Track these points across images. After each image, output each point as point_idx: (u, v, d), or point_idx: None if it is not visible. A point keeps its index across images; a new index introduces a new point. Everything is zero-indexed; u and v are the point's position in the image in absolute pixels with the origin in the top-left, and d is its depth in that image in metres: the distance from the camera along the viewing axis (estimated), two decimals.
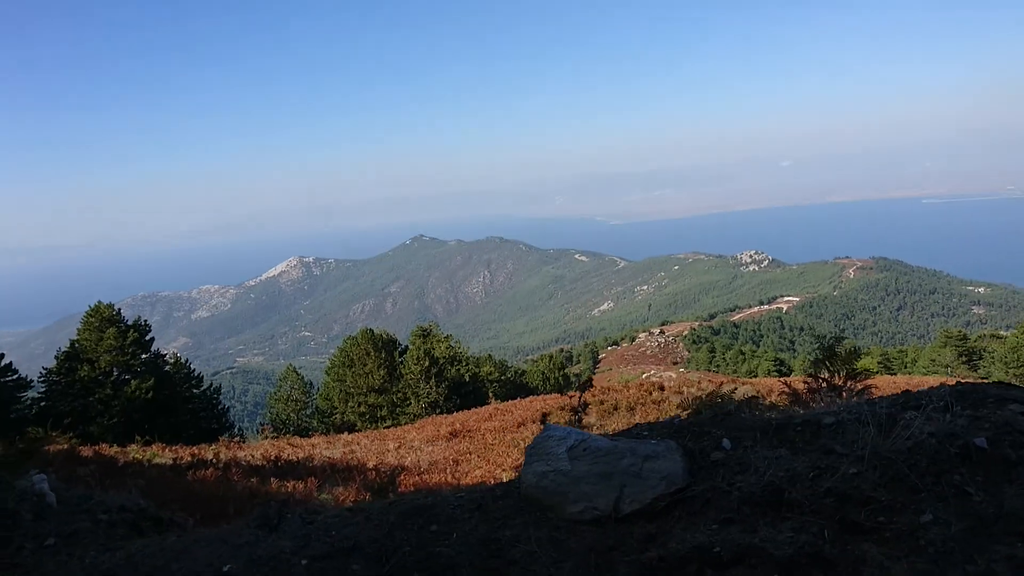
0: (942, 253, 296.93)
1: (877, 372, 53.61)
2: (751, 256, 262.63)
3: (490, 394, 45.92)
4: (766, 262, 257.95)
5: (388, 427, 32.57)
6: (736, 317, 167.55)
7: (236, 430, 30.41)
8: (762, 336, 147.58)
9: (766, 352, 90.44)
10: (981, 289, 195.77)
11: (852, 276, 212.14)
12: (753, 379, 42.03)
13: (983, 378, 48.46)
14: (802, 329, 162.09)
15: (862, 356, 70.22)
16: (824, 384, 6.07)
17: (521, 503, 3.01)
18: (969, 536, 2.30)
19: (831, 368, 5.95)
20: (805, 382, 6.07)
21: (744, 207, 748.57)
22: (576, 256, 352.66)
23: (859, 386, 6.00)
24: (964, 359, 59.92)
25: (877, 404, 2.98)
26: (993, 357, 57.06)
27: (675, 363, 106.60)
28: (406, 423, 32.01)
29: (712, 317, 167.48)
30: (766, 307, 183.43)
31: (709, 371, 79.72)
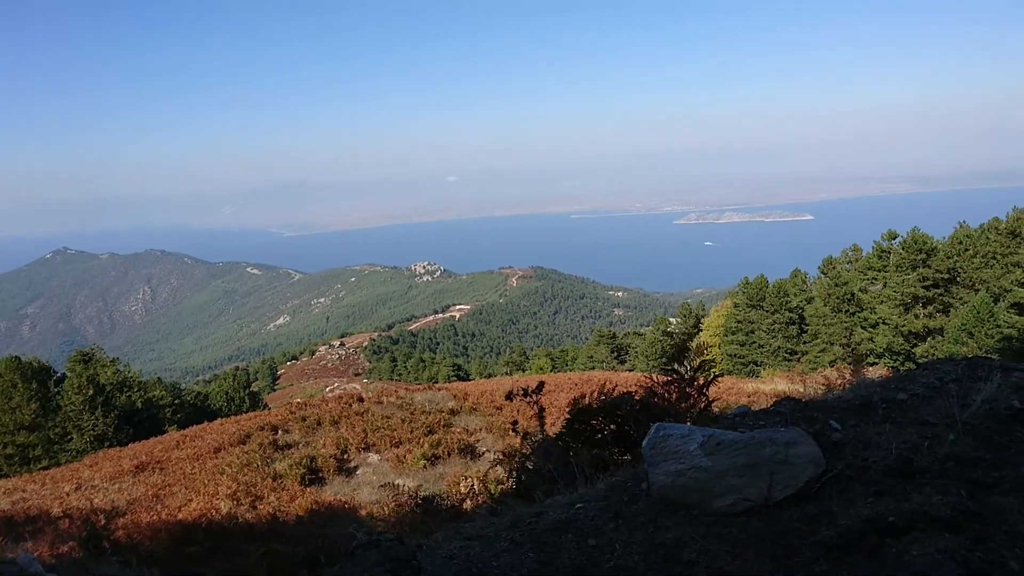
0: (589, 262, 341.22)
1: (551, 370, 60.26)
2: (425, 267, 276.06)
3: (166, 421, 42.03)
4: (439, 272, 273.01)
5: (46, 468, 28.37)
6: (414, 326, 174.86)
7: None
8: (439, 343, 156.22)
9: (444, 358, 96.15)
10: (620, 293, 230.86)
11: (515, 284, 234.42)
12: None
13: (630, 369, 57.21)
14: (474, 335, 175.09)
15: (531, 358, 78.21)
16: (676, 377, 6.81)
17: (660, 505, 3.03)
18: None
19: (684, 363, 6.71)
20: (653, 377, 6.77)
21: (419, 219, 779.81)
22: (248, 269, 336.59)
23: (706, 379, 6.85)
24: (615, 354, 69.76)
25: (916, 380, 3.60)
26: (636, 351, 67.45)
27: (357, 375, 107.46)
28: (68, 462, 28.26)
29: (391, 327, 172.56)
30: (441, 315, 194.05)
31: (392, 380, 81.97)
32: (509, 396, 6.56)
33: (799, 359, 46.63)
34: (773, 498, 2.92)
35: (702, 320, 63.58)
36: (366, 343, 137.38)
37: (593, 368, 58.96)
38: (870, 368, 44.13)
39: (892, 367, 43.09)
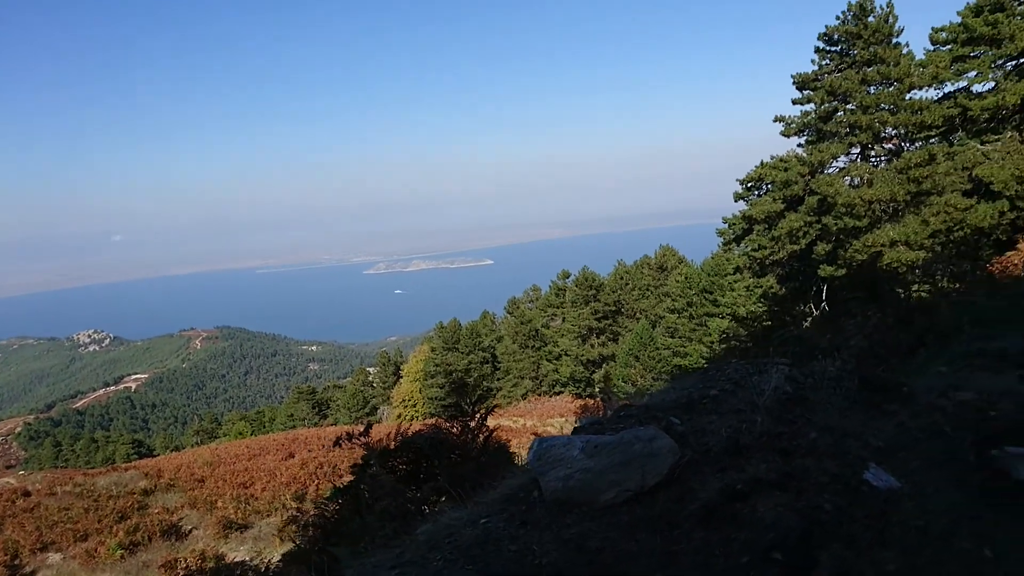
0: (279, 317, 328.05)
1: (252, 434, 56.93)
2: (91, 335, 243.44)
3: None
4: (108, 340, 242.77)
5: None
6: (80, 403, 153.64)
7: None
8: (112, 419, 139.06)
9: (122, 435, 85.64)
10: (314, 347, 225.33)
11: (199, 347, 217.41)
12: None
13: (334, 423, 56.74)
14: (155, 406, 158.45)
15: (224, 423, 73.19)
16: (459, 414, 7.29)
17: (555, 507, 3.39)
18: (828, 438, 3.91)
19: (465, 398, 7.21)
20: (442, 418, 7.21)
21: (81, 283, 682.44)
22: None
23: (485, 411, 7.41)
24: (316, 410, 68.34)
25: (716, 380, 4.43)
26: (338, 404, 66.84)
27: (10, 467, 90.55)
28: None
29: (51, 407, 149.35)
30: (113, 388, 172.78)
31: (57, 467, 70.47)
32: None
33: (495, 395, 49.80)
34: (647, 485, 3.47)
35: (401, 367, 64.91)
36: (19, 428, 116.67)
37: (295, 426, 56.82)
38: (556, 396, 48.82)
39: (575, 394, 48.27)
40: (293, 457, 25.18)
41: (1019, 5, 23.13)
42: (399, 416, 52.23)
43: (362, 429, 6.06)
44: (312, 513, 6.09)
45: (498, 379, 52.34)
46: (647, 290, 51.59)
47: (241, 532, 17.79)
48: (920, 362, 7.22)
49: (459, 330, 53.79)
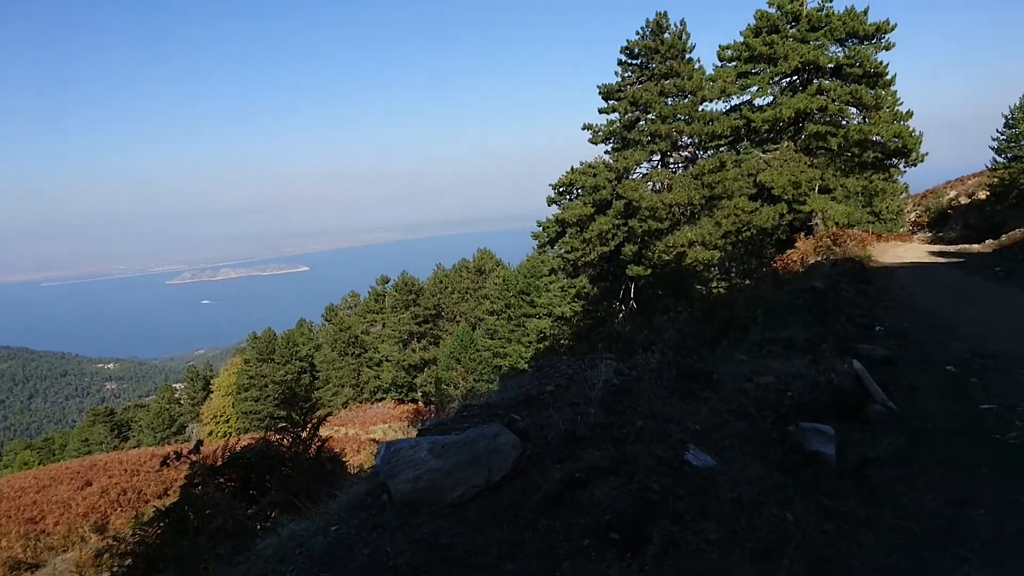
0: (68, 335, 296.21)
1: (40, 464, 51.33)
2: None
3: None
4: None
5: None
6: None
7: None
8: None
9: None
10: (111, 365, 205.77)
11: None
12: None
13: (136, 445, 52.63)
14: None
15: (5, 454, 65.52)
16: (290, 425, 7.15)
17: (406, 508, 3.45)
18: (653, 425, 4.27)
19: (295, 409, 7.08)
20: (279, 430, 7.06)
21: None
22: None
23: (317, 421, 7.32)
24: (116, 432, 63.04)
25: (551, 376, 4.66)
26: (141, 425, 62.08)
27: None
28: None
29: None
30: None
31: None
32: None
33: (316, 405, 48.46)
34: (493, 480, 3.64)
35: (212, 381, 61.38)
36: None
37: (91, 452, 51.87)
38: (378, 403, 48.32)
39: (398, 399, 48.06)
40: (91, 485, 23.11)
41: (791, 28, 25.93)
42: (211, 433, 49.36)
43: (192, 447, 5.76)
44: (131, 539, 5.69)
45: (317, 388, 50.95)
46: (466, 293, 52.44)
47: (32, 571, 16.14)
48: (724, 351, 8.00)
49: (274, 340, 51.80)
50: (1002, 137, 32.52)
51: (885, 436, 5.18)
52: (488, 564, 3.23)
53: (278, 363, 49.84)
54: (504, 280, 45.24)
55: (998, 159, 32.60)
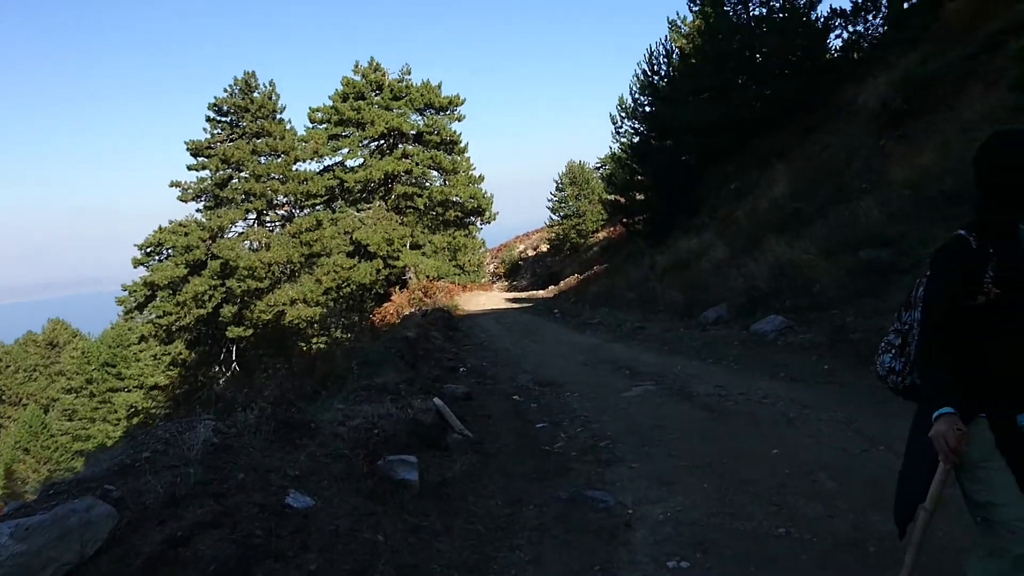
0: None
1: None
2: None
3: None
4: None
5: None
6: None
7: None
8: None
9: None
10: None
11: None
12: None
13: None
14: None
15: None
16: None
17: None
18: (254, 476, 4.56)
19: None
20: None
21: None
22: None
23: None
24: None
25: (147, 444, 4.61)
26: None
27: None
28: None
29: None
30: None
31: None
32: None
33: None
34: (88, 554, 3.61)
35: None
36: None
37: None
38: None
39: None
40: None
41: (376, 96, 28.06)
42: None
43: None
44: None
45: None
46: (35, 371, 45.52)
47: None
48: (323, 401, 8.52)
49: None
50: (555, 199, 38.87)
51: (461, 458, 6.17)
52: None
53: None
54: (84, 352, 40.38)
55: (554, 217, 38.88)
